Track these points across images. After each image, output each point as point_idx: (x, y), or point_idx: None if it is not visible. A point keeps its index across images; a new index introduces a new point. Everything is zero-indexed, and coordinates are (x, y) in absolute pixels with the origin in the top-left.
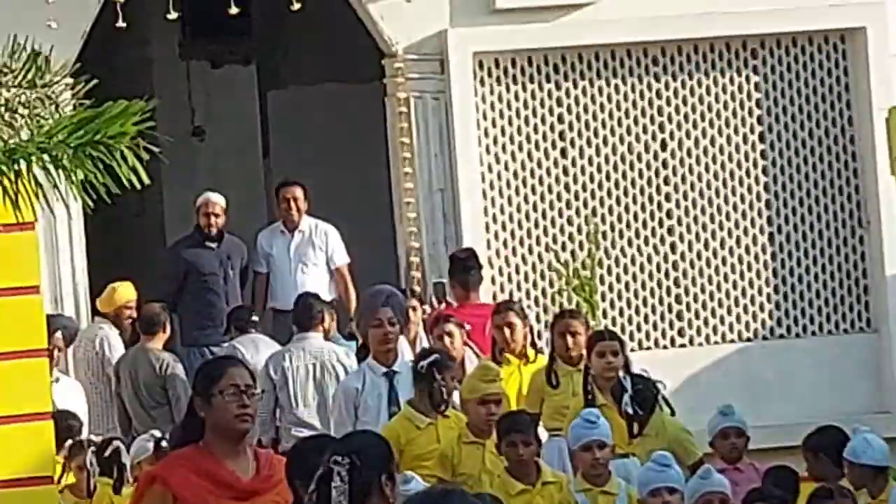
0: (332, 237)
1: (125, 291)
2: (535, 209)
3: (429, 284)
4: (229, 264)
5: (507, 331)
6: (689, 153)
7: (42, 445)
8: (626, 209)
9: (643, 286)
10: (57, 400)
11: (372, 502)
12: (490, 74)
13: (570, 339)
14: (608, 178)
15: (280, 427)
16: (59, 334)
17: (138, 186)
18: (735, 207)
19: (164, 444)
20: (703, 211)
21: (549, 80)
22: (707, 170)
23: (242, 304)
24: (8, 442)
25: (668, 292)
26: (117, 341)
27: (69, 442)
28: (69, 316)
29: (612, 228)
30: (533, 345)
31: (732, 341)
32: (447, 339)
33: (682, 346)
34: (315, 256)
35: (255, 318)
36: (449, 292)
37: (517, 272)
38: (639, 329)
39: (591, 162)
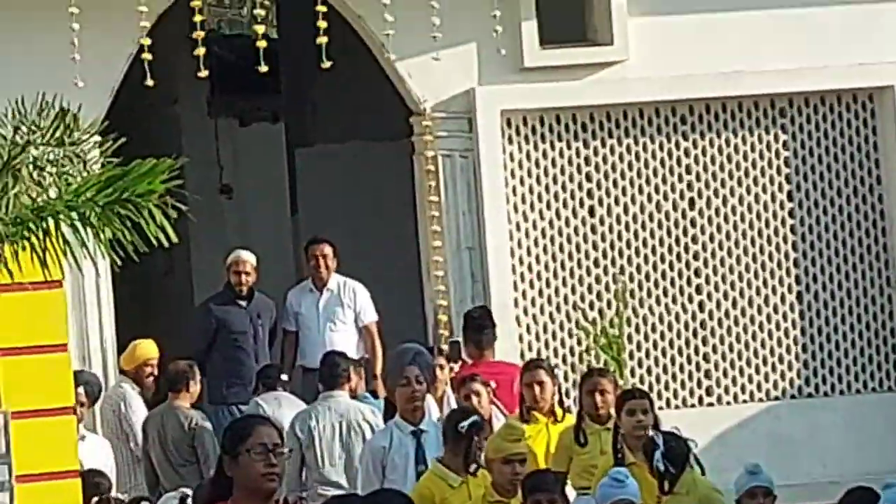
0: (360, 295)
1: (146, 348)
2: (562, 267)
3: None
4: (259, 323)
5: (536, 389)
6: (717, 212)
7: (70, 503)
8: (654, 268)
9: (671, 345)
10: (83, 458)
11: None
12: (518, 132)
13: (598, 398)
14: (636, 236)
15: (306, 486)
16: (82, 390)
17: (166, 244)
18: (763, 266)
19: (190, 501)
20: (731, 270)
21: (577, 139)
22: (735, 228)
23: (271, 362)
24: (36, 500)
25: (696, 351)
26: (136, 399)
27: (96, 500)
28: (92, 372)
29: (640, 287)
30: (561, 403)
31: (760, 400)
32: (474, 398)
33: (710, 404)
34: (343, 314)
35: (283, 376)
36: (463, 350)
37: (545, 330)
38: (666, 388)
39: (618, 220)
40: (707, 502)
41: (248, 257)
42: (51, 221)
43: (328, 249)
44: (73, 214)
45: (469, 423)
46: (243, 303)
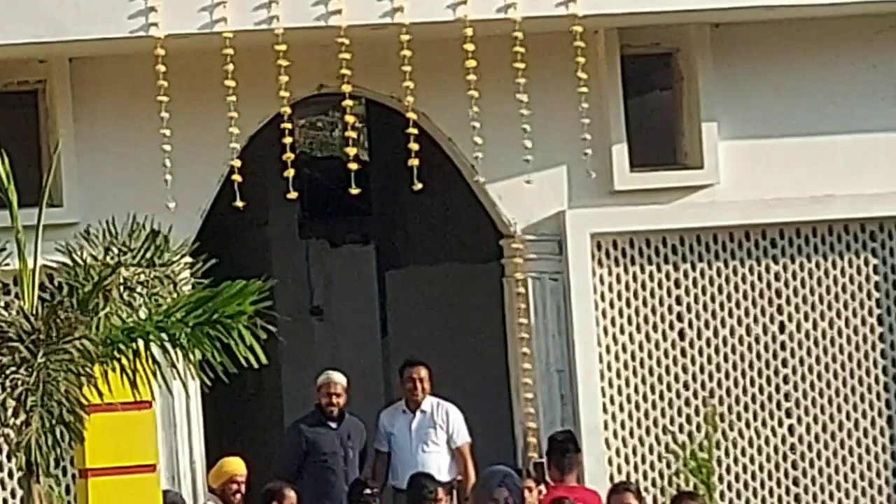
0: (453, 417)
1: (234, 465)
2: (652, 390)
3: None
4: (349, 444)
5: None
6: (807, 335)
7: None
8: (744, 391)
9: (761, 468)
10: None
11: None
12: (608, 255)
13: None
14: (726, 359)
15: None
16: None
17: (256, 365)
18: (853, 390)
19: None
20: (820, 394)
21: (666, 262)
22: (825, 352)
23: (359, 477)
24: None
25: (786, 475)
26: None
27: None
28: (177, 492)
29: (730, 410)
30: None
31: None
32: None
33: None
34: (436, 436)
35: (370, 489)
36: (546, 473)
37: (634, 453)
38: None
39: (708, 343)
40: None
41: (340, 379)
42: (141, 342)
43: (424, 372)
44: (163, 335)
45: None
46: (333, 424)
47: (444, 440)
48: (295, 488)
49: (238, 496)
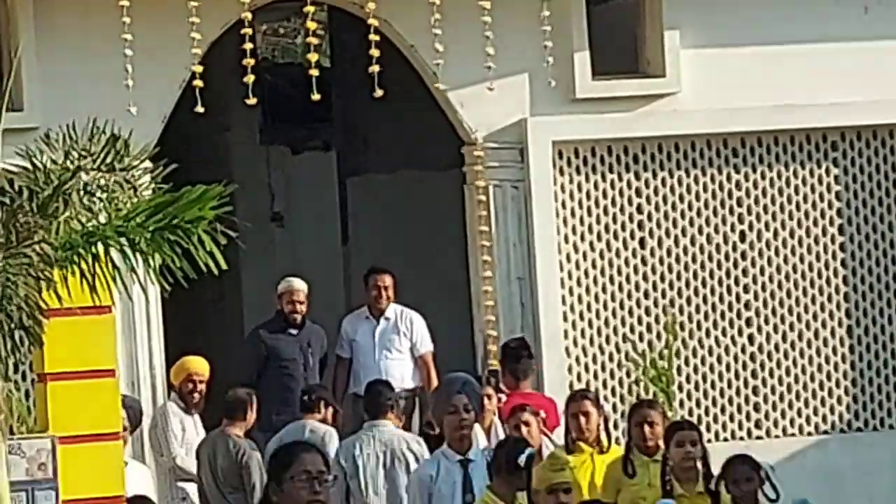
0: (417, 324)
1: (195, 363)
2: (612, 299)
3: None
4: (309, 351)
5: (581, 419)
6: (767, 245)
7: None
8: (705, 300)
9: (720, 377)
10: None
11: None
12: (569, 163)
13: (647, 429)
14: (686, 268)
15: None
16: (123, 414)
17: (216, 271)
18: (813, 299)
19: None
20: (781, 303)
21: (628, 170)
22: (786, 261)
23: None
24: None
25: (746, 384)
26: (176, 414)
27: None
28: (134, 397)
29: (690, 319)
30: (608, 434)
31: (809, 434)
32: (524, 428)
33: (759, 437)
34: (400, 343)
35: (308, 396)
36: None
37: (594, 361)
38: (715, 420)
39: (669, 252)
40: None
41: (301, 286)
42: (100, 247)
43: (389, 280)
44: (123, 240)
45: (527, 456)
46: (294, 331)
47: (407, 348)
48: (255, 394)
49: (196, 395)
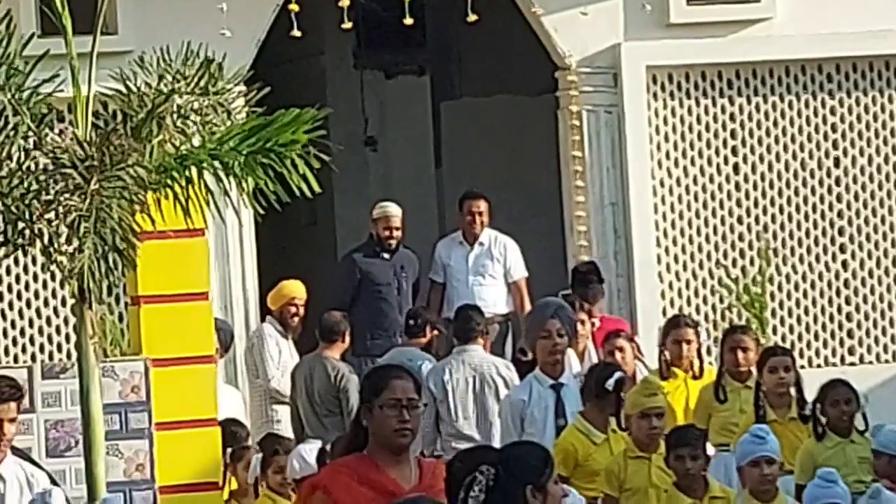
0: (511, 250)
1: (293, 287)
2: (706, 224)
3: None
4: (403, 275)
5: (684, 346)
6: (861, 170)
7: (210, 452)
8: (798, 226)
9: (814, 303)
10: None
11: None
12: (663, 89)
13: (740, 355)
14: (780, 194)
15: (442, 440)
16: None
17: (309, 195)
18: None
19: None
20: (875, 229)
21: (722, 95)
22: (880, 187)
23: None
24: (177, 448)
25: (839, 310)
26: (272, 337)
27: (232, 449)
28: (224, 319)
29: (784, 245)
30: (700, 360)
31: None
32: (618, 354)
33: (852, 364)
34: (493, 269)
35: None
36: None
37: (687, 287)
38: (808, 346)
39: (763, 178)
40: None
41: (397, 212)
42: (194, 170)
43: (483, 205)
44: (217, 163)
45: (615, 381)
46: (387, 255)
47: (500, 273)
48: (349, 318)
49: (296, 319)
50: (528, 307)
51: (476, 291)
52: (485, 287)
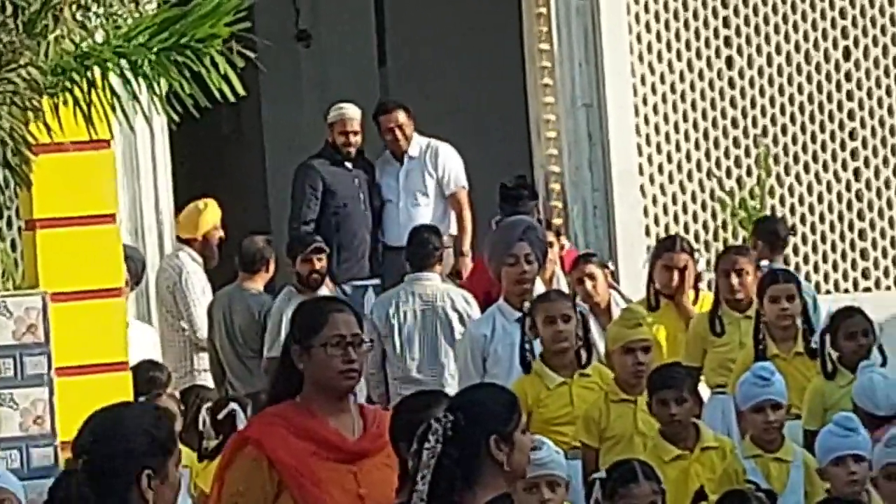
0: (444, 157)
1: (214, 211)
2: (695, 128)
3: (571, 216)
4: (366, 188)
5: (675, 273)
6: (875, 63)
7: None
8: (803, 129)
9: (821, 219)
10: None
11: (481, 468)
12: None
13: (736, 280)
14: (781, 91)
15: (388, 382)
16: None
17: (232, 99)
18: None
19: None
20: (892, 131)
21: None
22: None
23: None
24: (82, 396)
25: (851, 226)
26: (196, 273)
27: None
28: (133, 246)
29: (786, 151)
30: (695, 288)
31: None
32: (588, 282)
33: (866, 289)
34: (428, 185)
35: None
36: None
37: (674, 202)
38: (816, 270)
39: (761, 73)
40: None
41: (355, 114)
42: (97, 70)
43: (402, 116)
44: (123, 62)
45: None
46: (349, 165)
47: (435, 188)
48: (272, 241)
49: (215, 250)
50: (468, 224)
51: (412, 213)
52: (419, 207)
